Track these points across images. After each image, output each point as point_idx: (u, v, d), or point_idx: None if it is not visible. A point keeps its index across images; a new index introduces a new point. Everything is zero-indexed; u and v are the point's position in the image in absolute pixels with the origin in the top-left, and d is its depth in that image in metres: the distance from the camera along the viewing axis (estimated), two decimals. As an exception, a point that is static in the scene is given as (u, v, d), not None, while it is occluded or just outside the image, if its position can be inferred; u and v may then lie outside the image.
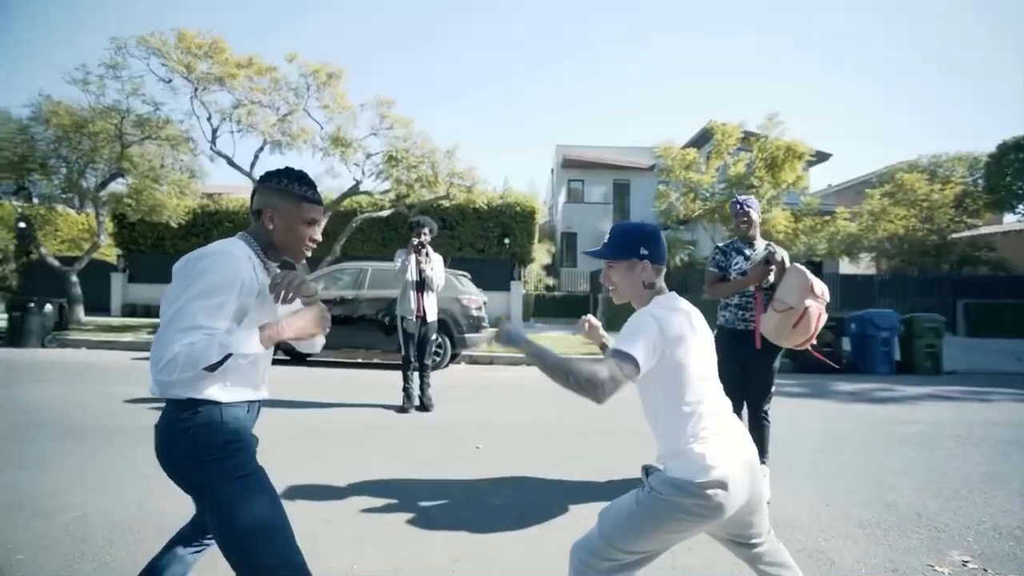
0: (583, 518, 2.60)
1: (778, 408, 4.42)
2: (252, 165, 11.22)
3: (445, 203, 13.51)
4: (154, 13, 71.49)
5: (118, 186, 12.50)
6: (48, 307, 9.08)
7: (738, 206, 3.08)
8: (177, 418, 1.25)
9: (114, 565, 2.05)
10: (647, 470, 1.42)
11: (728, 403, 1.48)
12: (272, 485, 1.32)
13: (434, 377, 6.55)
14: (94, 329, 10.41)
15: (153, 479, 2.99)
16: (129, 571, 2.00)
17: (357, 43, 77.88)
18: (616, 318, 14.96)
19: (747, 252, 3.06)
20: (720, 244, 3.24)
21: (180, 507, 1.70)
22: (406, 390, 5.05)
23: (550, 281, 20.35)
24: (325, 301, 7.23)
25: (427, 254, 5.09)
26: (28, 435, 3.73)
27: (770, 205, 14.43)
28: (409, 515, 2.59)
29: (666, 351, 1.32)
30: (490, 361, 8.46)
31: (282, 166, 1.45)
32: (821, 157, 21.23)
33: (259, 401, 1.39)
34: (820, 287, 2.64)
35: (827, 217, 14.93)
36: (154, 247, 15.82)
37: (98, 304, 14.43)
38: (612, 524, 1.38)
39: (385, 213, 12.76)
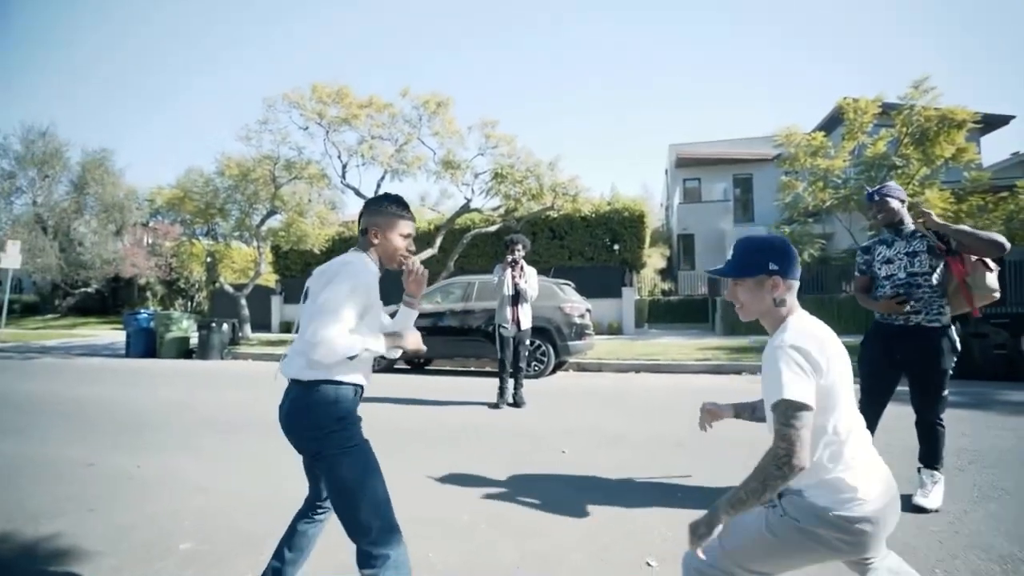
0: (651, 528, 2.58)
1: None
2: (375, 193, 12.49)
3: (552, 214, 13.77)
4: (295, 71, 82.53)
5: (274, 222, 14.73)
6: (225, 326, 10.96)
7: (868, 199, 2.88)
8: (303, 395, 1.57)
9: (248, 530, 2.50)
10: (781, 492, 1.33)
11: (863, 423, 1.38)
12: (374, 455, 1.63)
13: (537, 384, 6.80)
14: (257, 344, 12.31)
15: (278, 463, 3.55)
16: (260, 536, 2.44)
17: (463, 67, 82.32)
18: (736, 321, 13.90)
19: (892, 240, 2.84)
20: (865, 242, 3.06)
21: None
22: (501, 389, 5.52)
23: (665, 286, 19.60)
24: (437, 314, 7.88)
25: (521, 268, 5.50)
26: (201, 428, 4.61)
27: (922, 186, 12.45)
28: (485, 511, 2.76)
29: (816, 381, 1.24)
30: (598, 368, 8.43)
31: (392, 191, 1.83)
32: (995, 122, 17.79)
33: (363, 386, 1.69)
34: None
35: (1004, 193, 12.43)
36: (303, 272, 18.25)
37: (262, 322, 17.00)
38: (737, 540, 1.34)
39: (494, 228, 13.35)
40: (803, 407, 1.19)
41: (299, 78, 63.03)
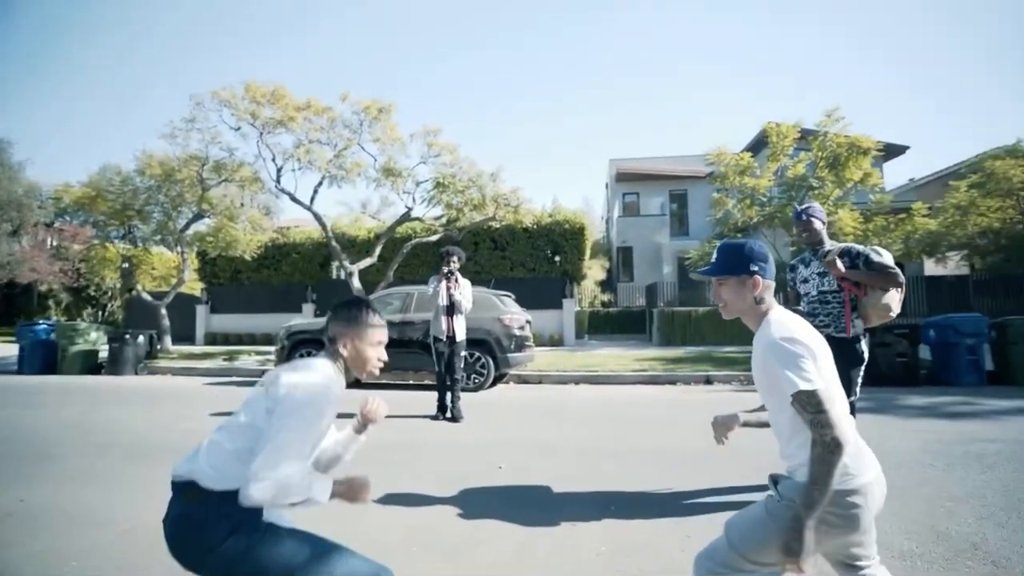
0: (587, 542, 2.56)
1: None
2: (312, 199, 12.01)
3: (494, 224, 13.78)
4: (226, 67, 78.78)
5: (200, 226, 13.82)
6: (140, 338, 10.10)
7: (795, 216, 3.17)
8: (198, 511, 1.39)
9: (146, 567, 2.26)
10: (775, 479, 1.42)
11: (848, 408, 1.43)
12: (289, 531, 1.45)
13: (476, 397, 6.71)
14: (178, 357, 11.43)
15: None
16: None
17: (405, 73, 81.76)
18: (671, 332, 14.40)
19: (809, 260, 3.16)
20: (791, 261, 3.36)
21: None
22: (440, 402, 5.51)
23: (605, 297, 20.08)
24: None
25: (456, 280, 5.49)
26: (102, 454, 4.17)
27: (835, 206, 13.52)
28: (419, 530, 2.65)
29: (815, 363, 1.34)
30: (539, 380, 8.46)
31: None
32: (895, 150, 19.72)
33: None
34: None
35: (902, 215, 13.73)
36: (232, 279, 17.24)
37: (186, 334, 15.86)
38: (741, 534, 1.40)
39: (435, 238, 13.19)
40: (818, 390, 1.29)
41: (231, 76, 59.98)
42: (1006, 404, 5.54)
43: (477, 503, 3.05)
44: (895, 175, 48.50)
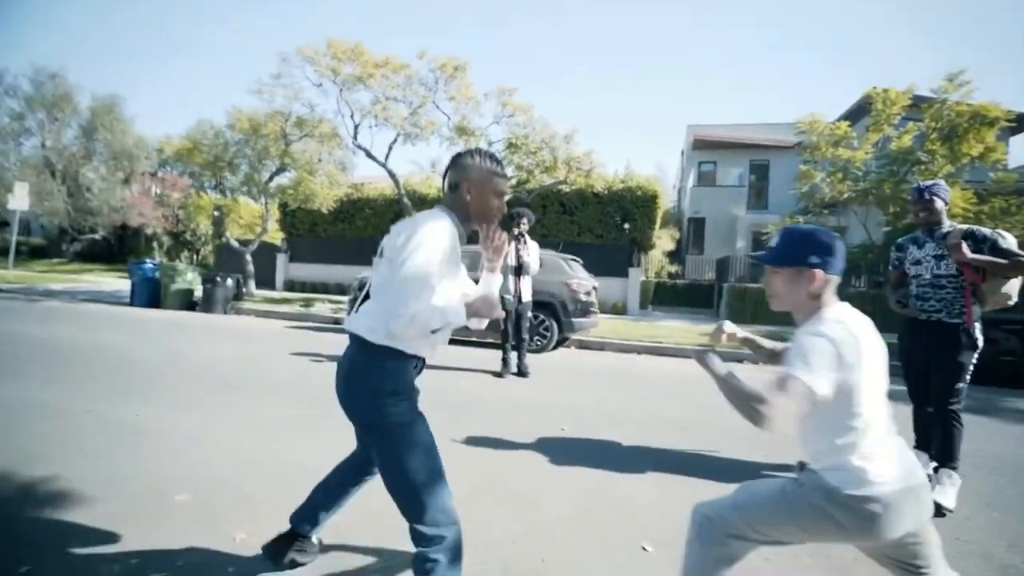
0: (647, 510, 2.55)
1: (899, 420, 3.85)
2: (386, 156, 12.29)
3: (564, 188, 13.56)
4: (310, 27, 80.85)
5: (283, 179, 14.55)
6: (229, 281, 10.94)
7: (916, 193, 2.94)
8: (363, 358, 1.50)
9: (242, 488, 2.49)
10: (802, 465, 1.39)
11: (891, 426, 1.37)
12: (428, 431, 1.54)
13: (539, 358, 6.78)
14: (261, 301, 12.31)
15: (271, 423, 3.53)
16: (253, 495, 2.43)
17: (483, 34, 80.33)
18: (742, 310, 13.79)
19: (924, 241, 2.93)
20: (900, 239, 3.14)
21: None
22: (504, 360, 5.63)
23: (673, 268, 19.45)
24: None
25: (525, 241, 5.51)
26: (199, 382, 4.61)
27: (946, 184, 12.15)
28: (486, 481, 2.74)
29: (842, 376, 1.24)
30: (601, 347, 8.40)
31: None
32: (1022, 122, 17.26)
33: (424, 359, 1.61)
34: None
35: (1028, 196, 12.12)
36: (309, 231, 18.16)
37: (267, 279, 17.01)
38: (751, 501, 1.38)
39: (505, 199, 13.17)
40: (808, 390, 1.21)
41: (314, 34, 61.65)
42: None
43: (542, 460, 3.11)
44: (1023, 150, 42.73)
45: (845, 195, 13.23)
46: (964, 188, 12.35)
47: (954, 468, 2.78)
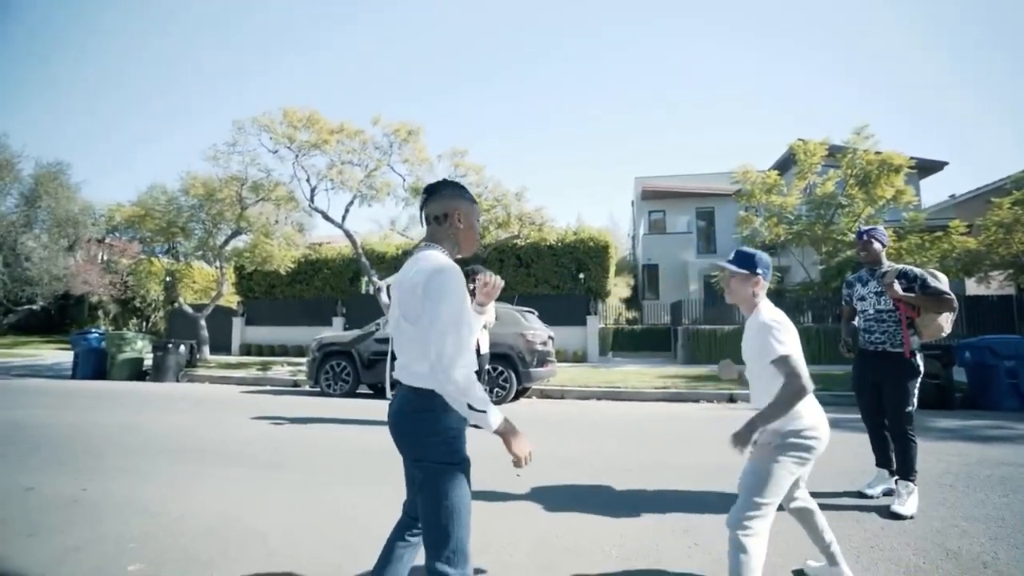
0: (601, 555, 2.69)
1: (855, 444, 4.18)
2: (343, 217, 12.51)
3: (519, 242, 14.06)
4: (264, 95, 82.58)
5: (238, 242, 14.50)
6: (182, 348, 10.65)
7: (857, 236, 3.44)
8: (418, 402, 1.52)
9: (196, 554, 2.49)
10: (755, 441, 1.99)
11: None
12: (469, 477, 1.57)
13: (500, 409, 6.86)
14: (216, 366, 11.96)
15: (226, 488, 3.51)
16: (208, 559, 2.44)
17: (435, 95, 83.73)
18: (696, 350, 14.20)
19: (867, 279, 3.38)
20: (849, 277, 3.55)
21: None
22: None
23: (630, 315, 20.02)
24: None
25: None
26: (148, 452, 4.49)
27: (867, 224, 13.30)
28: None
29: (792, 338, 1.95)
30: (561, 395, 8.55)
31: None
32: (932, 166, 19.25)
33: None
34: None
35: (939, 233, 13.39)
36: (266, 293, 17.92)
37: (223, 344, 16.53)
38: (754, 481, 1.90)
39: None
40: (794, 354, 1.90)
41: (269, 102, 62.90)
42: (1042, 429, 5.38)
43: (494, 506, 3.20)
44: (935, 192, 47.15)
45: (782, 237, 14.26)
46: (885, 227, 13.53)
47: (912, 480, 3.12)
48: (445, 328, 1.43)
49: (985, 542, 2.69)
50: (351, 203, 12.41)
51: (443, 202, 1.61)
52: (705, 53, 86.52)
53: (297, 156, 11.95)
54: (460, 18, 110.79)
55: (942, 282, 3.14)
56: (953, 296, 3.12)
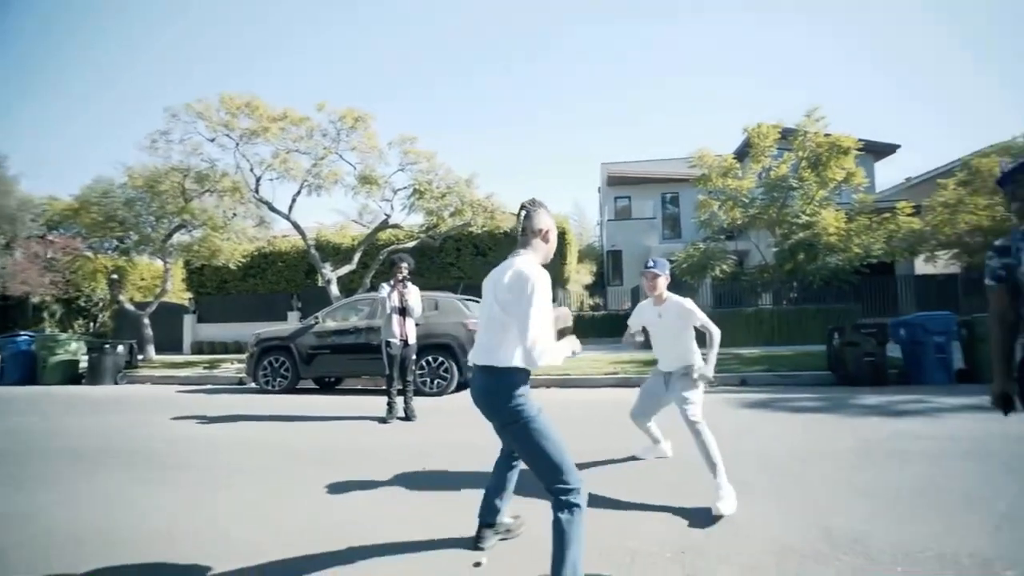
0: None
1: (771, 424, 4.14)
2: (290, 208, 12.12)
3: (475, 230, 13.84)
4: (203, 82, 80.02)
5: (186, 236, 13.89)
6: (120, 348, 10.19)
7: (1004, 179, 1.91)
8: (494, 378, 1.96)
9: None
10: (686, 371, 3.20)
11: None
12: (547, 418, 1.97)
13: (438, 401, 6.72)
14: (159, 366, 11.52)
15: (130, 493, 3.28)
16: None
17: (393, 80, 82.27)
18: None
19: None
20: (998, 241, 1.92)
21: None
22: (389, 404, 5.57)
23: (593, 301, 20.06)
24: (341, 331, 7.67)
25: (406, 286, 5.59)
26: (52, 459, 4.21)
27: (820, 206, 13.49)
28: (356, 523, 2.66)
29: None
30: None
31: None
32: (885, 149, 19.64)
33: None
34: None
35: (886, 214, 13.66)
36: (219, 289, 17.34)
37: (174, 343, 15.97)
38: (693, 394, 3.11)
39: (411, 244, 13.24)
40: (706, 316, 3.15)
41: (209, 88, 60.69)
42: (963, 402, 5.44)
43: (397, 500, 3.07)
44: (890, 175, 48.36)
45: (739, 221, 14.36)
46: (837, 209, 13.75)
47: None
48: (532, 316, 1.83)
49: (864, 518, 2.66)
50: (298, 193, 12.02)
51: (537, 218, 2.06)
52: (676, 36, 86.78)
53: (238, 144, 11.48)
54: (421, 5, 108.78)
55: None
56: None
